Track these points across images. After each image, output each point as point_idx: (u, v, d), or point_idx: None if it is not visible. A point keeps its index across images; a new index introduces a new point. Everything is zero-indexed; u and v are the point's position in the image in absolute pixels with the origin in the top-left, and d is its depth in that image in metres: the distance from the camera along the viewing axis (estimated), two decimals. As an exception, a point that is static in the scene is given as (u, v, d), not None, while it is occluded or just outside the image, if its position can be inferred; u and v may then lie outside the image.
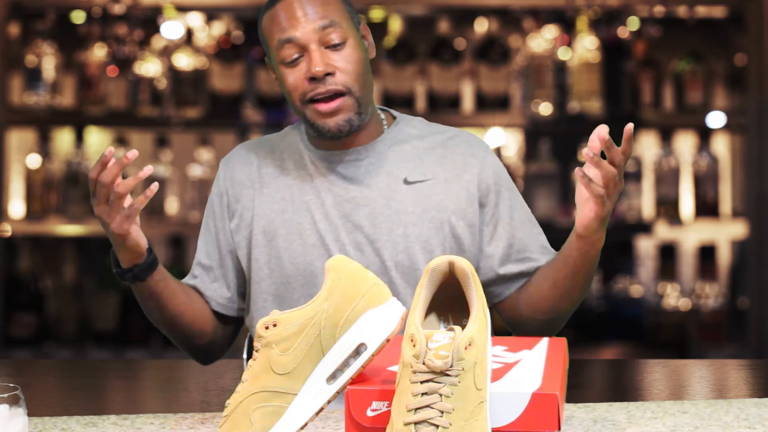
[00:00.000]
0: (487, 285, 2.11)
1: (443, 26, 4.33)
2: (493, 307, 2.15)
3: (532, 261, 2.11)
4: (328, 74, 2.00)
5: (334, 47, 2.01)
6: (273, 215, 2.11)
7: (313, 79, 2.00)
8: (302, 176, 2.12)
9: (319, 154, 2.11)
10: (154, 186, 1.89)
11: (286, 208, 2.10)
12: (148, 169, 1.88)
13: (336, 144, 2.09)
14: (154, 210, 4.29)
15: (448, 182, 2.10)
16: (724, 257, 4.38)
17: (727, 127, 4.34)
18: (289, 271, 2.08)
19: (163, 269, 2.06)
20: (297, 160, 2.13)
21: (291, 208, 2.10)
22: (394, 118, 2.18)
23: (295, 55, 2.01)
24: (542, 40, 4.33)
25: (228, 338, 2.22)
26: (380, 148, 2.11)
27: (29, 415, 1.47)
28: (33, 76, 4.30)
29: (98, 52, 4.32)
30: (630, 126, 1.85)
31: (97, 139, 4.39)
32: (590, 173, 1.87)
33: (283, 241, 2.09)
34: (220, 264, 2.17)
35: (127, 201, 1.93)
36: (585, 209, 1.92)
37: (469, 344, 1.39)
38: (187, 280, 2.19)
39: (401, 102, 4.25)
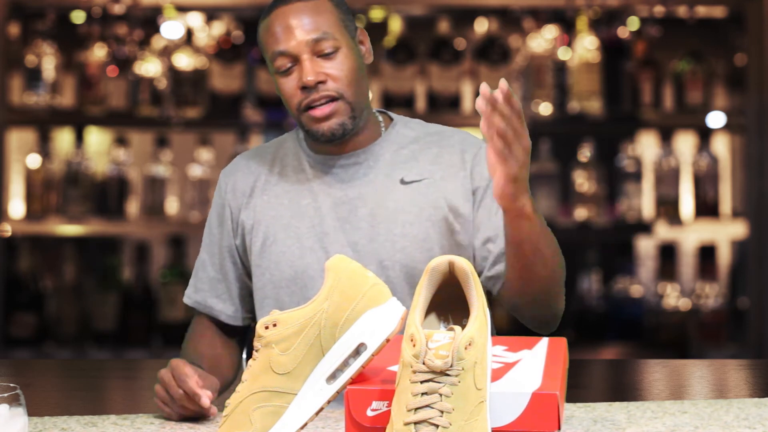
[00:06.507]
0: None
1: (443, 26, 4.32)
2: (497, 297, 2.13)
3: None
4: (320, 82, 2.02)
5: (327, 56, 2.03)
6: (272, 221, 2.13)
7: (305, 88, 2.02)
8: (300, 180, 2.14)
9: (317, 158, 2.14)
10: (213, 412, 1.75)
11: (284, 213, 2.12)
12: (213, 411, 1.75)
13: (333, 148, 2.11)
14: (154, 210, 4.29)
15: (444, 180, 2.10)
16: (724, 257, 4.37)
17: (727, 127, 4.33)
18: (287, 275, 2.09)
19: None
20: (295, 165, 2.16)
21: (289, 213, 2.12)
22: (392, 120, 2.19)
23: (289, 65, 2.04)
24: (542, 40, 4.32)
25: (239, 353, 2.24)
26: (377, 150, 2.12)
27: (29, 415, 1.47)
28: (33, 76, 4.29)
29: (98, 52, 4.32)
30: (503, 85, 1.83)
31: (97, 139, 4.39)
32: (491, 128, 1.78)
33: (281, 246, 2.11)
34: (222, 276, 2.19)
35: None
36: (495, 177, 1.78)
37: (469, 344, 1.39)
38: (190, 292, 2.22)
39: (401, 102, 4.24)
